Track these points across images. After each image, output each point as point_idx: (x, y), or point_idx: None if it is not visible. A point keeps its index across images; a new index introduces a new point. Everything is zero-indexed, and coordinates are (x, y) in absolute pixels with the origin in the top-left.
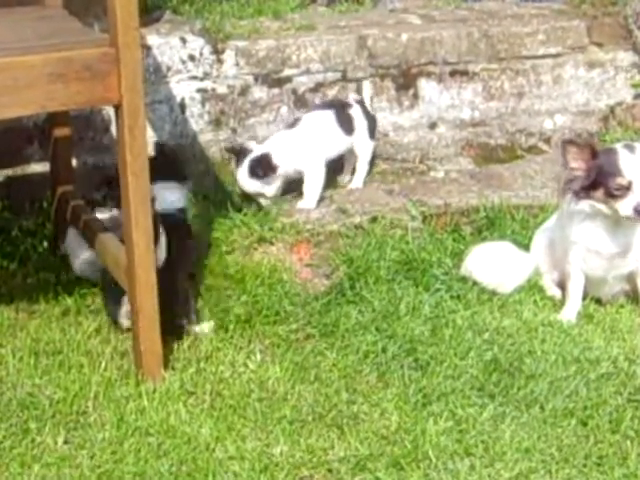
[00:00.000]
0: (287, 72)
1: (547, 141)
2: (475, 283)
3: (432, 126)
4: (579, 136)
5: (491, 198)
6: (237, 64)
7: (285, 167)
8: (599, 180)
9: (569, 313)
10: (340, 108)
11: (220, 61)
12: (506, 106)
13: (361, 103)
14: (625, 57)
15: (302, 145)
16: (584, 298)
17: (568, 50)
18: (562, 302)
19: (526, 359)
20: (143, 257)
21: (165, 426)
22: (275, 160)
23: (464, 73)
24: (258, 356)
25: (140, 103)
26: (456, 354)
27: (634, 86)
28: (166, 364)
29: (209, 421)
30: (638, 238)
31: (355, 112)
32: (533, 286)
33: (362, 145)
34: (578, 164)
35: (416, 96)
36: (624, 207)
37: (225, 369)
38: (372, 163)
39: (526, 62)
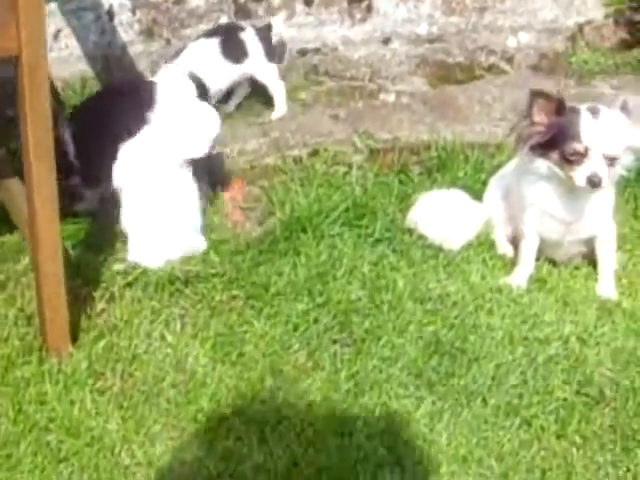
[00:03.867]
0: None
1: (509, 60)
2: (421, 236)
3: (385, 41)
4: (544, 56)
5: (444, 133)
6: None
7: None
8: (556, 141)
9: (520, 277)
10: (228, 35)
11: None
12: (467, 21)
13: (257, 27)
14: None
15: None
16: (537, 259)
17: None
18: (513, 262)
19: (470, 336)
20: (46, 213)
21: (67, 421)
22: None
23: None
24: (178, 324)
25: (42, 54)
26: (395, 328)
27: (606, 5)
28: (75, 334)
29: (117, 414)
30: (597, 203)
31: (248, 37)
32: (483, 242)
33: (260, 71)
34: (541, 118)
35: (369, 8)
36: (578, 176)
37: (140, 342)
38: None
39: None
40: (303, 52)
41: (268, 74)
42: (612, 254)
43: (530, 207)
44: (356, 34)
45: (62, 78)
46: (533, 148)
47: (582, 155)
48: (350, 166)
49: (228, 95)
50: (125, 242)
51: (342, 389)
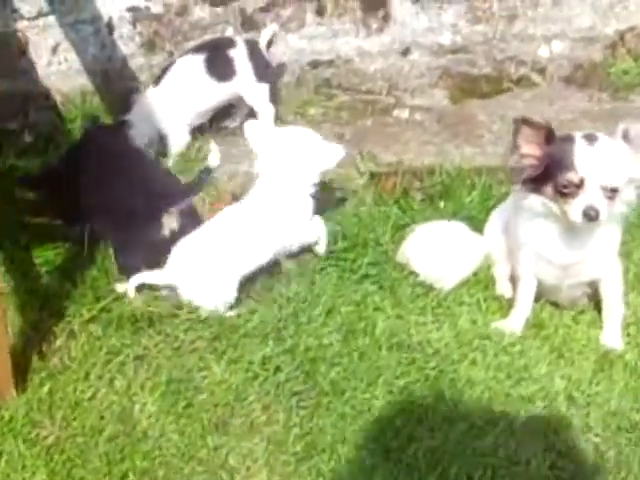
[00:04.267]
0: None
1: (541, 72)
2: (412, 273)
3: (404, 52)
4: (579, 67)
5: (451, 156)
6: None
7: (145, 135)
8: (549, 173)
9: (515, 322)
10: (215, 51)
11: None
12: (494, 30)
13: (250, 42)
14: None
15: (163, 108)
16: (537, 300)
17: None
18: (511, 304)
19: (446, 392)
20: None
21: None
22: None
23: None
24: (131, 368)
25: None
26: (363, 380)
27: None
28: (24, 376)
29: (44, 469)
30: (599, 244)
31: (237, 53)
32: (481, 279)
33: (248, 90)
34: (530, 149)
35: (387, 17)
36: (572, 209)
37: (87, 387)
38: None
39: None
40: (315, 64)
41: (256, 95)
42: (619, 299)
43: (524, 247)
44: (372, 45)
45: (61, 92)
46: (525, 183)
47: (577, 186)
48: (349, 192)
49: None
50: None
51: (290, 451)
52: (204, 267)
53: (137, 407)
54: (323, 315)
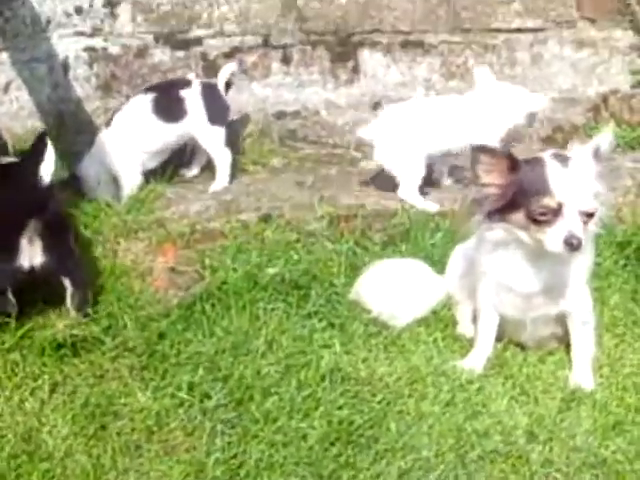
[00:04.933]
0: (196, 32)
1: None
2: (365, 311)
3: (375, 106)
4: (559, 129)
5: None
6: (134, 20)
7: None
8: (519, 200)
9: (475, 360)
10: (165, 91)
11: (114, 16)
12: (470, 86)
13: (206, 83)
14: (623, 37)
15: (115, 149)
16: (500, 340)
17: (551, 24)
18: (472, 344)
19: (392, 424)
20: None
21: None
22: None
23: (418, 45)
24: (45, 392)
25: None
26: (300, 410)
27: (633, 73)
28: None
29: None
30: (566, 270)
31: (190, 93)
32: (442, 319)
33: (201, 133)
34: (492, 178)
35: (356, 69)
36: (550, 239)
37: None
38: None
39: (498, 36)
40: (280, 115)
41: (210, 138)
42: (589, 335)
43: (484, 277)
44: (341, 97)
45: (13, 133)
46: (489, 215)
47: (554, 213)
48: (305, 233)
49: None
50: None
51: (209, 475)
52: None
53: (46, 429)
54: (263, 347)
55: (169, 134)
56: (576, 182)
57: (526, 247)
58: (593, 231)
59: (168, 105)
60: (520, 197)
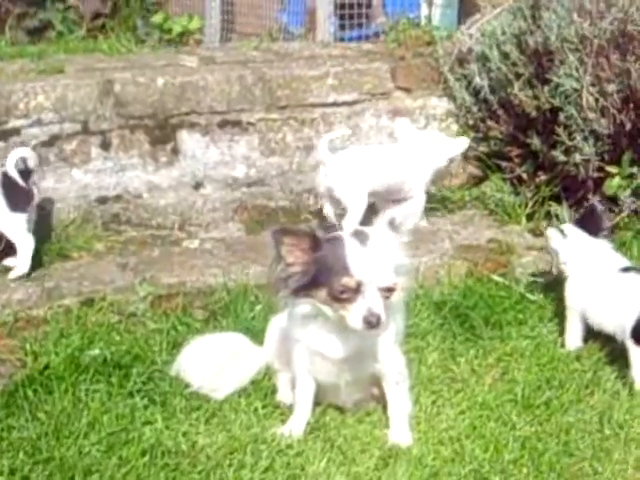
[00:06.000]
0: (13, 123)
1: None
2: (187, 385)
3: (197, 186)
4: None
5: (236, 276)
6: None
7: None
8: (321, 278)
9: (294, 425)
10: None
11: None
12: (290, 162)
13: (5, 172)
14: (438, 104)
15: None
16: (319, 404)
17: (367, 96)
18: (292, 410)
19: None
20: None
21: None
22: None
23: (236, 124)
24: None
25: None
26: None
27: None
28: None
29: None
30: (376, 338)
31: None
32: (261, 388)
33: (3, 221)
34: (295, 257)
35: (176, 151)
36: (352, 316)
37: None
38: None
39: (314, 111)
40: (102, 200)
41: (10, 225)
42: (403, 394)
43: (297, 345)
44: (162, 179)
45: None
46: (297, 290)
47: (354, 291)
48: (127, 314)
49: None
50: None
51: None
52: None
53: None
54: (85, 428)
55: None
56: (374, 260)
57: (332, 319)
58: (398, 301)
59: None
60: (322, 275)
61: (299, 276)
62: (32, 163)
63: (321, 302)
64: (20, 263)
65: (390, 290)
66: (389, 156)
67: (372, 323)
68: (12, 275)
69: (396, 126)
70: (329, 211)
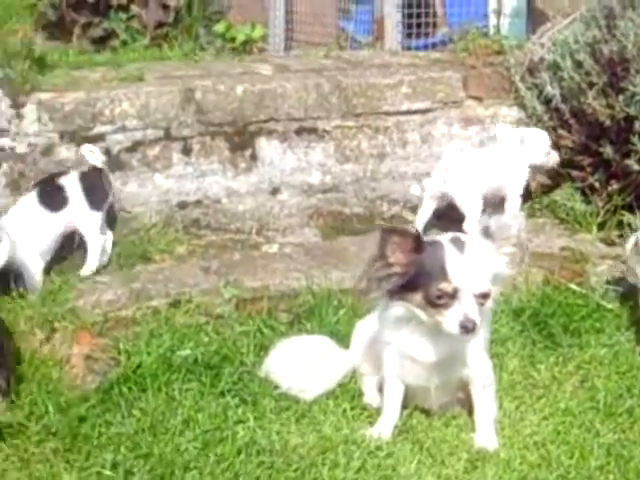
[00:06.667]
0: (99, 129)
1: (414, 210)
2: (276, 387)
3: (274, 192)
4: (454, 207)
5: (319, 280)
6: (39, 120)
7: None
8: (418, 281)
9: (383, 427)
10: (45, 183)
11: (20, 116)
12: (364, 169)
13: (83, 172)
14: (509, 113)
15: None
16: (406, 407)
17: (439, 105)
18: (379, 412)
19: None
20: None
21: None
22: None
23: (312, 131)
24: None
25: None
26: None
27: None
28: None
29: None
30: (466, 343)
31: (67, 182)
32: (348, 390)
33: (81, 219)
34: (397, 257)
35: (254, 157)
36: (448, 321)
37: None
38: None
39: (388, 119)
40: (183, 205)
41: (87, 223)
42: (490, 398)
43: (388, 348)
44: (241, 185)
45: None
46: (392, 292)
47: (451, 296)
48: (215, 316)
49: None
50: None
51: None
52: None
53: None
54: (181, 425)
55: (56, 224)
56: (471, 266)
57: (426, 323)
58: (490, 307)
59: (51, 195)
60: (419, 279)
61: (397, 277)
62: (99, 161)
63: (416, 305)
64: (89, 260)
65: (485, 296)
66: (494, 158)
67: (468, 328)
68: (83, 273)
69: (497, 129)
70: (423, 217)
